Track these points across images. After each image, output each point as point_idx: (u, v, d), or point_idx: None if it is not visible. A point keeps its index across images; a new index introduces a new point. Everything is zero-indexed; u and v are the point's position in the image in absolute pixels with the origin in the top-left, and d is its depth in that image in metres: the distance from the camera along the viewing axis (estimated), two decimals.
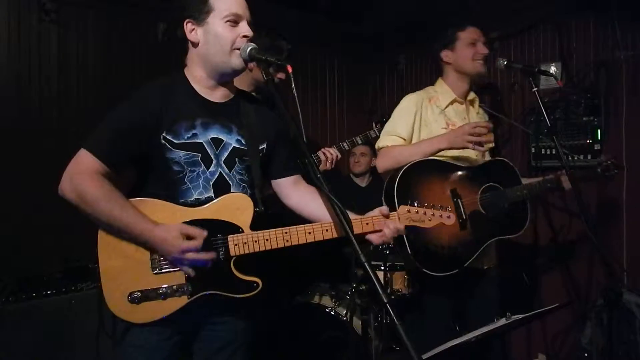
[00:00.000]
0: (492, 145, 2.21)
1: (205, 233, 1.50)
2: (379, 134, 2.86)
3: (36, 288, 2.43)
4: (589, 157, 3.12)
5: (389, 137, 2.32)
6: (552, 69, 3.27)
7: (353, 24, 4.11)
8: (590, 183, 3.09)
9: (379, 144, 2.36)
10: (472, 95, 2.47)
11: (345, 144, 2.87)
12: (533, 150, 3.30)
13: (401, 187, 2.11)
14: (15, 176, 2.72)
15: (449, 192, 2.17)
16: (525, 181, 2.37)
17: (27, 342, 2.28)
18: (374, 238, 1.60)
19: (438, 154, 2.21)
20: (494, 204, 2.21)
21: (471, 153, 2.29)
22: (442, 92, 2.41)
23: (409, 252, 2.15)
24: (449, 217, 1.63)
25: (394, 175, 2.16)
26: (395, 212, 1.61)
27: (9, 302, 2.33)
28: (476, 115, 2.46)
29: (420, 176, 2.15)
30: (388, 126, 2.37)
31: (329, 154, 2.69)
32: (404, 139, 2.30)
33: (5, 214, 2.67)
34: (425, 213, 1.61)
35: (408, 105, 2.35)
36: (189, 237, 1.48)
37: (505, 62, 2.31)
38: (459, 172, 2.24)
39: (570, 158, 3.06)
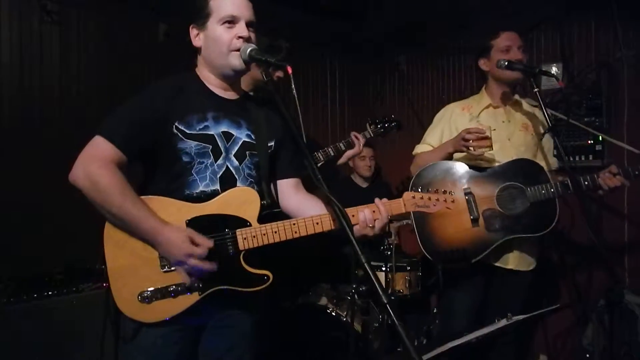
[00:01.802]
0: (488, 149, 2.21)
1: (211, 243, 1.48)
2: (373, 134, 2.90)
3: (37, 289, 2.42)
4: (590, 157, 3.11)
5: (421, 146, 2.53)
6: (554, 70, 3.26)
7: (354, 24, 4.11)
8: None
9: (413, 151, 2.55)
10: (515, 97, 2.48)
11: (342, 145, 2.82)
12: None
13: (415, 186, 2.27)
14: (16, 177, 2.73)
15: (461, 190, 2.23)
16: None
17: (28, 342, 2.28)
18: (368, 231, 1.55)
19: (470, 159, 2.32)
20: (513, 202, 2.22)
21: (499, 154, 2.31)
22: (478, 99, 2.50)
23: (418, 240, 2.25)
24: (452, 201, 1.63)
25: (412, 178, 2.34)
26: (400, 199, 1.62)
27: (10, 303, 2.33)
28: (522, 116, 2.46)
29: (433, 177, 2.30)
30: (424, 135, 2.57)
31: (361, 137, 2.74)
32: (433, 147, 2.47)
33: (6, 213, 2.67)
34: (429, 198, 1.62)
35: (438, 116, 2.56)
36: (194, 244, 1.47)
37: (506, 63, 2.30)
38: (475, 172, 2.29)
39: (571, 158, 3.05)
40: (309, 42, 4.01)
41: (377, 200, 1.59)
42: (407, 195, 1.62)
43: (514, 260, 2.34)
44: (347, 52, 4.45)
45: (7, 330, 2.25)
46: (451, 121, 2.46)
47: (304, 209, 1.69)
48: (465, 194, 2.22)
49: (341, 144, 2.76)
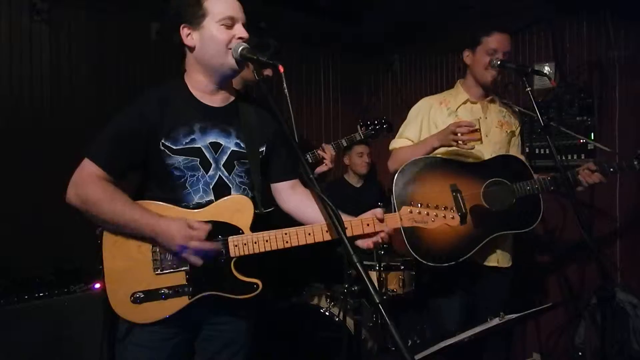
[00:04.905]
0: (478, 143, 2.19)
1: (208, 226, 1.50)
2: (364, 136, 2.89)
3: (28, 290, 2.40)
4: (583, 156, 3.13)
5: (399, 140, 2.46)
6: (546, 69, 3.28)
7: (348, 24, 4.10)
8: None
9: (390, 146, 2.48)
10: (491, 95, 2.47)
11: (309, 157, 2.75)
12: (527, 150, 3.30)
13: (399, 183, 2.22)
14: (5, 177, 2.70)
15: (448, 187, 2.17)
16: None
17: (19, 343, 2.26)
18: (359, 243, 1.60)
19: (450, 154, 2.28)
20: (499, 198, 2.21)
21: (477, 150, 2.29)
22: (456, 94, 2.46)
23: (405, 240, 2.17)
24: (452, 217, 1.61)
25: (394, 174, 2.25)
26: (396, 213, 1.60)
27: (0, 304, 2.31)
28: (497, 113, 2.45)
29: (419, 173, 2.24)
30: (400, 129, 2.50)
31: (328, 153, 2.64)
32: (412, 141, 2.41)
33: None
34: (428, 214, 1.60)
35: (415, 110, 2.49)
36: (192, 228, 1.49)
37: (498, 62, 2.31)
38: (461, 168, 2.26)
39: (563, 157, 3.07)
40: (303, 41, 4.00)
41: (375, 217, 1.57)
42: (405, 209, 1.60)
43: (496, 257, 2.34)
44: (341, 52, 4.44)
45: None
46: (430, 115, 2.41)
47: (303, 209, 1.71)
48: (452, 190, 2.16)
49: (308, 156, 2.67)
